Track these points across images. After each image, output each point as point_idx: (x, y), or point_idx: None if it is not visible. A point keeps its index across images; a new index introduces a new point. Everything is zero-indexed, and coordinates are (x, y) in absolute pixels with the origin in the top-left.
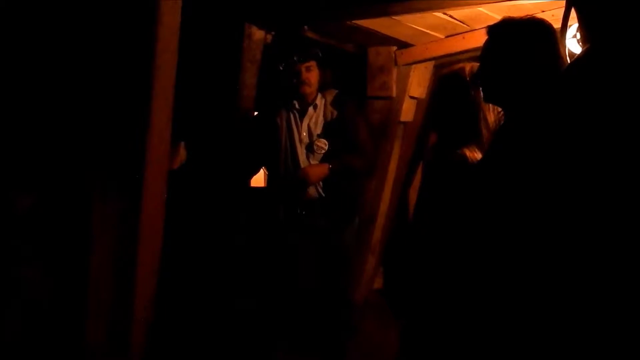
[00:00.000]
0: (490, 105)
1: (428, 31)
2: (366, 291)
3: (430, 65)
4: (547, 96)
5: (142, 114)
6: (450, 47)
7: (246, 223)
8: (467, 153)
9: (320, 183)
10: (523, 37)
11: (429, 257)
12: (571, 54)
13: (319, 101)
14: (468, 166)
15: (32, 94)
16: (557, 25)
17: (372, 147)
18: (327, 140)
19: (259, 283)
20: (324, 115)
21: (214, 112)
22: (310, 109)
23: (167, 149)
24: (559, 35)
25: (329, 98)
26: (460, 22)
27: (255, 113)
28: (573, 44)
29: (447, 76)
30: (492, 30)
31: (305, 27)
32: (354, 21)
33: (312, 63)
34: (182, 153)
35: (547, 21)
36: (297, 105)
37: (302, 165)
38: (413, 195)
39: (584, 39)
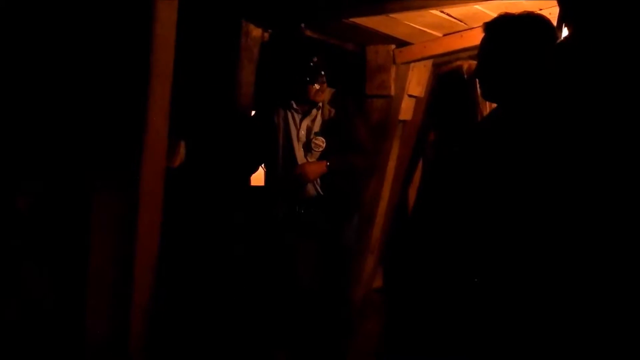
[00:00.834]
0: (488, 102)
1: (426, 29)
2: (365, 290)
3: (429, 63)
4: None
5: (138, 111)
6: (449, 45)
7: (244, 222)
8: None
9: (318, 181)
10: (520, 33)
11: (428, 254)
12: None
13: (319, 100)
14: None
15: (32, 93)
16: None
17: (370, 146)
18: (324, 138)
19: (258, 282)
20: (322, 114)
21: (212, 110)
22: (314, 110)
23: (164, 147)
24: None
25: (328, 96)
26: (458, 20)
27: (254, 111)
28: None
29: (446, 74)
30: (489, 26)
31: (303, 25)
32: (352, 19)
33: (323, 79)
34: (182, 152)
35: (545, 17)
36: (295, 105)
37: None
38: (413, 193)
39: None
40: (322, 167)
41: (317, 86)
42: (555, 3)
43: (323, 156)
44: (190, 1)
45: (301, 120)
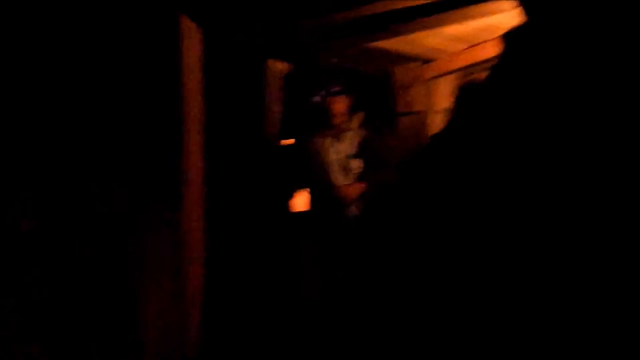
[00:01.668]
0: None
1: (447, 45)
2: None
3: (455, 77)
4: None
5: (174, 151)
6: (472, 57)
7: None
8: None
9: (358, 201)
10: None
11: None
12: None
13: (350, 124)
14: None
15: (80, 125)
16: None
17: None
18: (360, 160)
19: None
20: (356, 137)
21: (244, 140)
22: (343, 133)
23: (200, 172)
24: None
25: (359, 120)
26: (479, 32)
27: (289, 140)
28: None
29: (464, 87)
30: (506, 37)
31: (325, 54)
32: (373, 44)
33: (339, 96)
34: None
35: None
36: (329, 131)
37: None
38: None
39: None
40: (361, 188)
41: (335, 98)
42: None
43: (360, 177)
44: (217, 42)
45: (335, 145)
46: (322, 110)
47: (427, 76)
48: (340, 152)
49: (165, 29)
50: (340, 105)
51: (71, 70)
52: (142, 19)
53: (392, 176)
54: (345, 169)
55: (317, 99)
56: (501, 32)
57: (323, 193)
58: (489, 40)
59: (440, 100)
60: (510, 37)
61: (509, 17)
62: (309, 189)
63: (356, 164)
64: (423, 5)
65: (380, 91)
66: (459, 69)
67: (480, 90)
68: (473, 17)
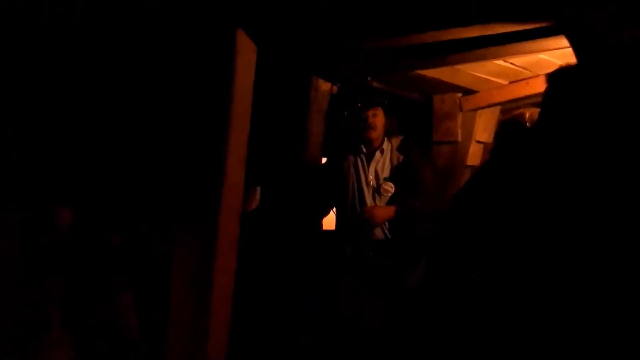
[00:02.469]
0: None
1: (490, 78)
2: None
3: (496, 110)
4: None
5: (217, 160)
6: (514, 92)
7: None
8: None
9: (387, 224)
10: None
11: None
12: None
13: (386, 146)
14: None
15: (129, 149)
16: None
17: (437, 191)
18: (393, 183)
19: (325, 321)
20: (390, 160)
21: (286, 158)
22: (377, 153)
23: (240, 194)
24: None
25: (395, 143)
26: (522, 68)
27: (324, 159)
28: None
29: (507, 122)
30: (551, 78)
31: (370, 77)
32: (416, 71)
33: (378, 109)
34: (257, 197)
35: None
36: (364, 150)
37: None
38: None
39: None
40: (390, 211)
41: (373, 111)
42: None
43: (392, 201)
44: (266, 59)
45: (369, 166)
46: (359, 121)
47: (468, 107)
48: (373, 173)
49: (222, 43)
50: (378, 119)
51: (131, 81)
52: (201, 31)
53: (424, 204)
54: (377, 191)
55: (355, 111)
56: (545, 70)
57: (350, 213)
58: (532, 77)
59: (479, 132)
60: (557, 77)
61: (556, 55)
62: (335, 209)
63: (389, 187)
64: (470, 38)
65: (420, 118)
66: (500, 103)
67: (521, 128)
68: (519, 53)
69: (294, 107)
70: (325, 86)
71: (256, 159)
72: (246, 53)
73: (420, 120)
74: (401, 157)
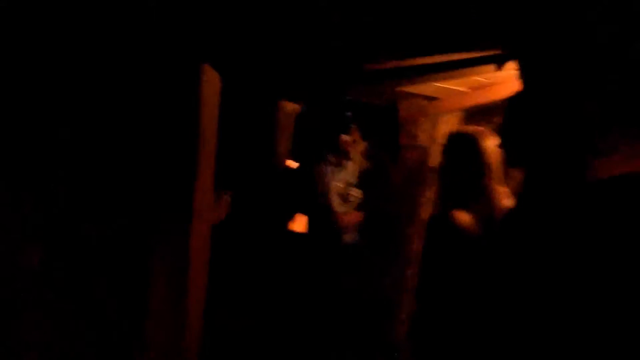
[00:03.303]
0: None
1: (453, 87)
2: (404, 331)
3: (459, 113)
4: None
5: (188, 178)
6: (476, 99)
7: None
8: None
9: (356, 229)
10: None
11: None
12: None
13: (353, 153)
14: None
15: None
16: None
17: (405, 194)
18: (361, 189)
19: (301, 324)
20: (357, 166)
21: (254, 168)
22: (344, 160)
23: (210, 203)
24: None
25: (362, 149)
26: (483, 79)
27: (294, 163)
28: None
29: (455, 137)
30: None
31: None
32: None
33: (354, 133)
34: (227, 205)
35: None
36: (332, 158)
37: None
38: None
39: None
40: (358, 217)
41: (348, 137)
42: None
43: (360, 206)
44: (233, 83)
45: (336, 172)
46: (336, 136)
47: (432, 112)
48: (341, 180)
49: (189, 75)
50: (355, 136)
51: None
52: (170, 64)
53: (392, 207)
54: (345, 197)
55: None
56: (505, 80)
57: (322, 218)
58: (493, 84)
59: (442, 136)
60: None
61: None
62: (307, 213)
63: (356, 193)
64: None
65: (385, 123)
66: (462, 108)
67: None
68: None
69: (261, 124)
70: (290, 107)
71: (229, 167)
72: (212, 83)
73: (385, 126)
74: (368, 163)
